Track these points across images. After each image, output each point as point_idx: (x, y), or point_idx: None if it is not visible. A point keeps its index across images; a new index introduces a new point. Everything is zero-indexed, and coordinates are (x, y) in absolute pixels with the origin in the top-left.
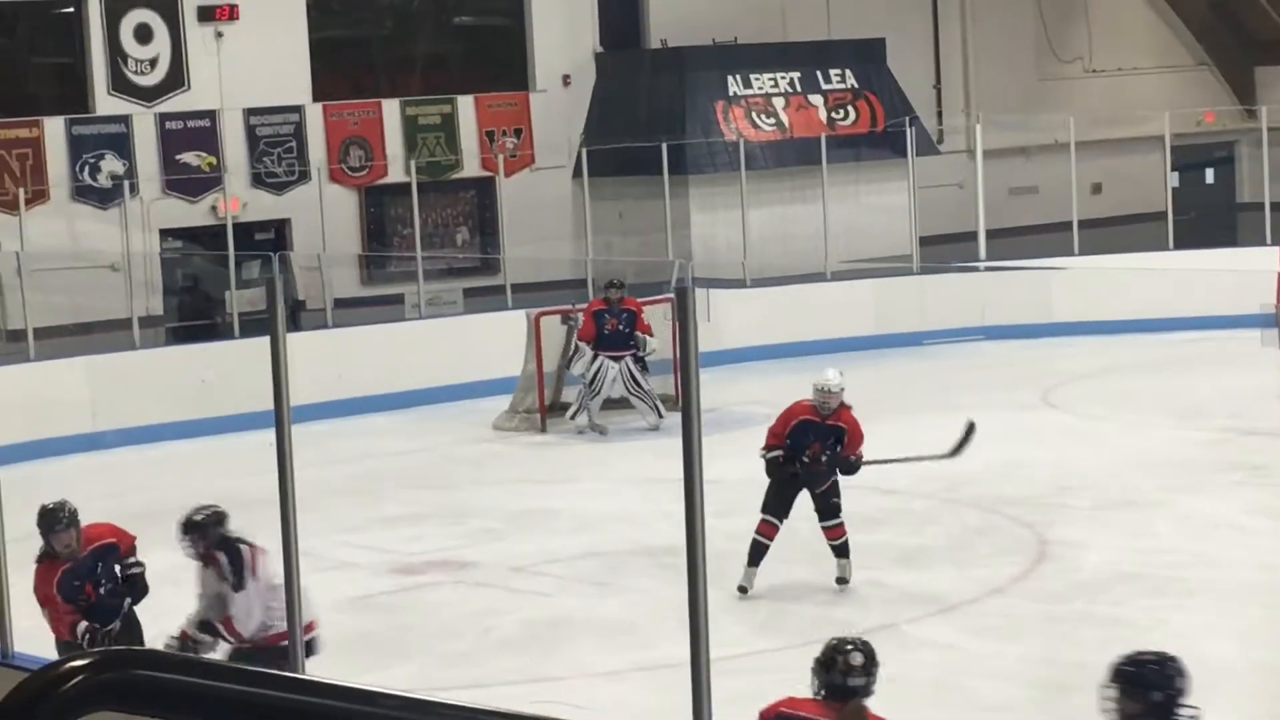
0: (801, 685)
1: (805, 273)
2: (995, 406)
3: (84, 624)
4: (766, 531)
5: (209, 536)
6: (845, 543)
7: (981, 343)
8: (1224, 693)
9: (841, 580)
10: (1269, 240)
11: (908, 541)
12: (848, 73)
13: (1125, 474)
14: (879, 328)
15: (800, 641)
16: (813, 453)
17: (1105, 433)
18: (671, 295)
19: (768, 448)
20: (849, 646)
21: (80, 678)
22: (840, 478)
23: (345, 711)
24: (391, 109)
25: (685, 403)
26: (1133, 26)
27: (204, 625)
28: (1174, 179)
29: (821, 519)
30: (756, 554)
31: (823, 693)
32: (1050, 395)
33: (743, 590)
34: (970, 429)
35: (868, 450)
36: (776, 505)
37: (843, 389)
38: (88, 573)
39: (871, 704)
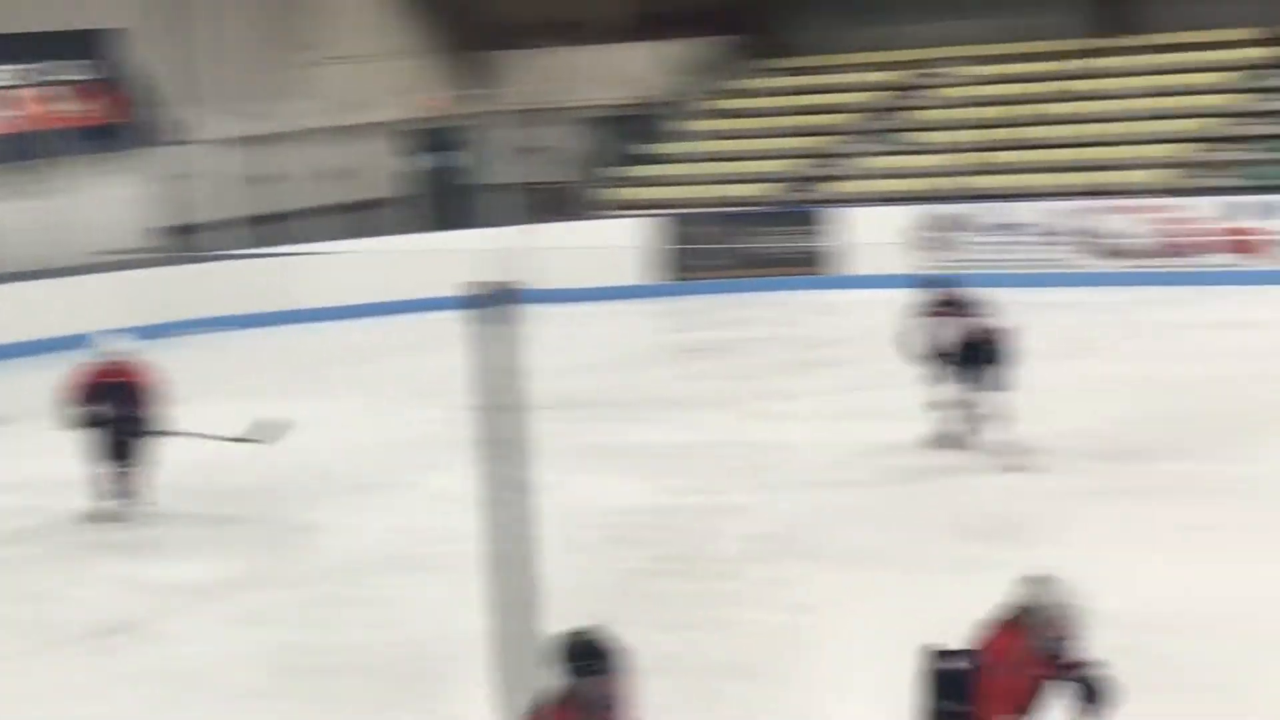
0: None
1: (48, 268)
2: (244, 395)
3: None
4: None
5: None
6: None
7: (228, 332)
8: (473, 664)
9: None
10: (491, 222)
11: (145, 535)
12: (85, 64)
13: (374, 456)
14: (125, 320)
15: (47, 641)
16: (109, 408)
17: (353, 417)
18: None
19: (76, 405)
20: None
21: None
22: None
23: None
24: None
25: None
26: (369, 16)
27: None
28: (416, 163)
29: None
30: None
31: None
32: (296, 382)
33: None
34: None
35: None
36: (111, 454)
37: (127, 351)
38: None
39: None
